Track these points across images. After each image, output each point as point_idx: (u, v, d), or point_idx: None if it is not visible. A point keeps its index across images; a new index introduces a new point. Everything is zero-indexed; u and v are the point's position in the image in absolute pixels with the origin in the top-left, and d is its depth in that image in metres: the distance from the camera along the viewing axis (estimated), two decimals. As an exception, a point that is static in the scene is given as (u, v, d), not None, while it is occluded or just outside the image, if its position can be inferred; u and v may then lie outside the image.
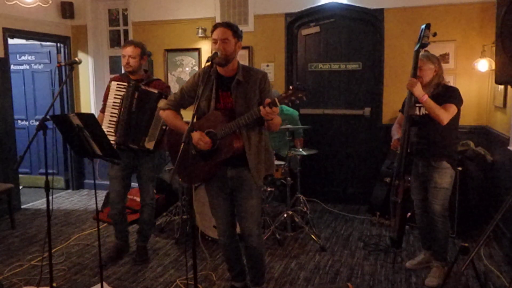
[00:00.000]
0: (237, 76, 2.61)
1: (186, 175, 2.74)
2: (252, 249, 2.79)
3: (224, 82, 2.65)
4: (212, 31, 2.60)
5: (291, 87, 2.37)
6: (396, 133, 3.34)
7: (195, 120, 2.44)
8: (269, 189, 4.20)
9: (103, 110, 3.57)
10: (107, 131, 3.37)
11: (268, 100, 2.37)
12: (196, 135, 2.57)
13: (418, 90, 3.00)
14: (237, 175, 2.67)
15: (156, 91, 3.39)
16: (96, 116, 3.61)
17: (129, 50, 3.41)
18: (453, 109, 2.99)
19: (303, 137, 4.90)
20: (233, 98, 2.61)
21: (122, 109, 3.42)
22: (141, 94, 3.40)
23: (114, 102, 3.46)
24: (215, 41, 2.56)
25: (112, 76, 5.91)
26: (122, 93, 3.44)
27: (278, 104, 2.36)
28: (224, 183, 2.72)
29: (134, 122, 3.40)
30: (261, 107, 2.40)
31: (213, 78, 2.64)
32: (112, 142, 3.36)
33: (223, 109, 2.64)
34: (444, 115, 2.95)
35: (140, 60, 3.47)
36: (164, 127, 3.47)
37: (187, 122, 2.60)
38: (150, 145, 3.41)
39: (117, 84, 3.48)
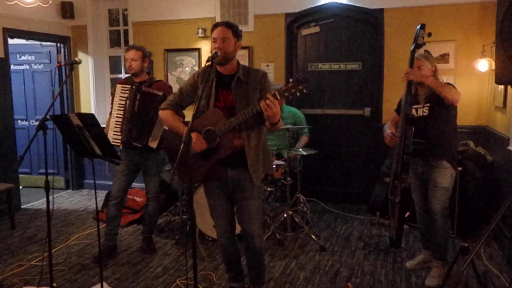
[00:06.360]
0: (238, 74, 2.59)
1: (185, 175, 2.70)
2: (253, 250, 2.75)
3: (224, 80, 2.63)
4: (212, 30, 2.58)
5: (291, 80, 2.35)
6: (388, 129, 3.33)
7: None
8: (269, 189, 4.20)
9: (111, 113, 3.72)
10: (114, 131, 3.59)
11: (269, 94, 2.36)
12: (193, 137, 2.53)
13: (419, 75, 2.98)
14: (237, 176, 2.65)
15: (160, 93, 3.55)
16: (105, 119, 3.74)
17: (131, 54, 3.61)
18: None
19: (308, 136, 4.82)
20: (233, 96, 2.59)
21: (126, 109, 3.57)
22: (143, 95, 3.56)
23: (119, 104, 3.63)
24: (214, 40, 2.54)
25: (112, 76, 6.00)
26: (126, 95, 3.61)
27: (278, 97, 2.34)
28: (224, 183, 2.69)
29: (137, 122, 3.55)
30: (261, 101, 2.37)
31: (213, 77, 2.62)
32: (118, 141, 3.53)
33: (223, 107, 2.61)
34: (454, 91, 2.93)
35: (142, 63, 3.65)
36: (166, 127, 3.58)
37: (186, 123, 2.59)
38: (153, 144, 3.58)
39: (122, 87, 3.65)
